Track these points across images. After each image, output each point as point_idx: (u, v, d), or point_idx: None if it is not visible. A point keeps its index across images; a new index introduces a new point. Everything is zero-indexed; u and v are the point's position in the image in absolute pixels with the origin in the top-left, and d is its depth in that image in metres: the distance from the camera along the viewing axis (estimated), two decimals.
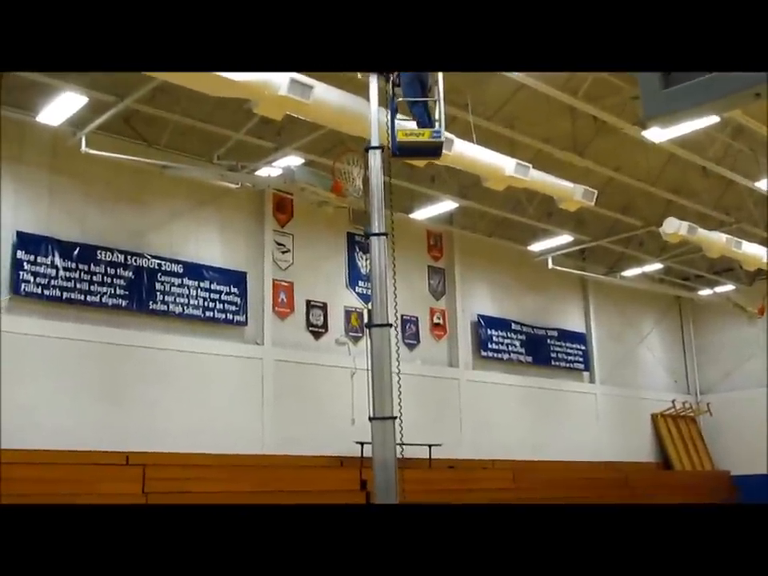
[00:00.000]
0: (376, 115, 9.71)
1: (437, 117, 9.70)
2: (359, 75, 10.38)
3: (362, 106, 11.32)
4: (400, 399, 8.83)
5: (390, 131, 9.51)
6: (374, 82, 9.84)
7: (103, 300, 15.22)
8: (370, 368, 8.84)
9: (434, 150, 10.05)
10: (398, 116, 9.84)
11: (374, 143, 9.55)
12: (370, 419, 8.70)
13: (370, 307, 9.71)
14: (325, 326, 18.83)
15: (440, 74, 9.72)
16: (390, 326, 9.00)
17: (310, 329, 18.60)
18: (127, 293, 15.55)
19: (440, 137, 9.58)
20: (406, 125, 9.91)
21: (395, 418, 8.64)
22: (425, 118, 9.82)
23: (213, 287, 16.82)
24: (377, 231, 9.25)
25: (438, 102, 9.73)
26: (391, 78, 9.78)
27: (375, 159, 9.48)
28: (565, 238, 21.22)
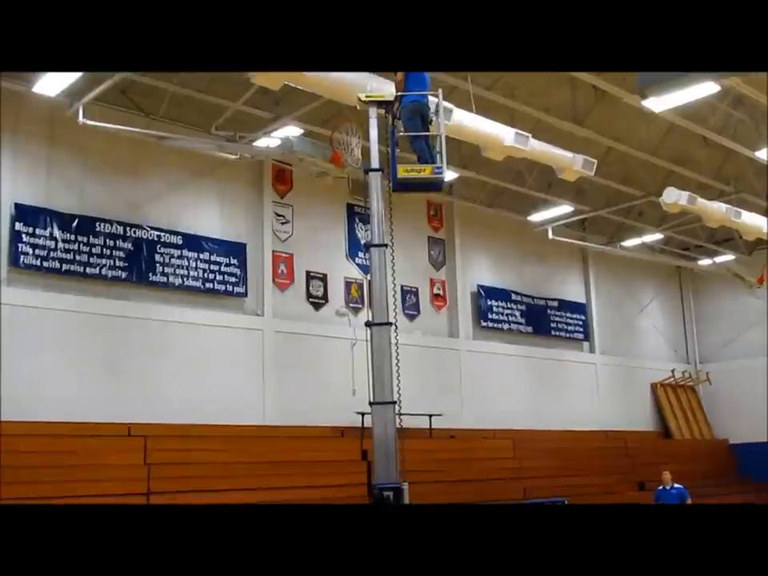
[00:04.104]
0: (375, 142, 9.62)
1: (438, 150, 9.50)
2: (357, 107, 10.18)
3: (360, 77, 11.27)
4: (398, 369, 8.88)
5: (390, 166, 9.34)
6: (373, 111, 9.73)
7: (102, 272, 15.22)
8: (370, 359, 8.86)
9: (435, 185, 9.90)
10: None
11: (374, 166, 9.50)
12: (371, 404, 8.76)
13: (369, 278, 9.69)
14: (325, 297, 18.85)
15: (441, 109, 9.58)
16: (390, 324, 8.99)
17: (310, 300, 18.62)
18: (126, 264, 15.53)
19: (441, 173, 9.37)
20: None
21: (395, 402, 8.68)
22: (426, 154, 9.55)
23: (212, 258, 16.80)
24: (377, 242, 9.23)
25: (439, 137, 9.55)
26: (391, 110, 9.65)
27: (375, 181, 9.39)
28: (565, 209, 21.16)
